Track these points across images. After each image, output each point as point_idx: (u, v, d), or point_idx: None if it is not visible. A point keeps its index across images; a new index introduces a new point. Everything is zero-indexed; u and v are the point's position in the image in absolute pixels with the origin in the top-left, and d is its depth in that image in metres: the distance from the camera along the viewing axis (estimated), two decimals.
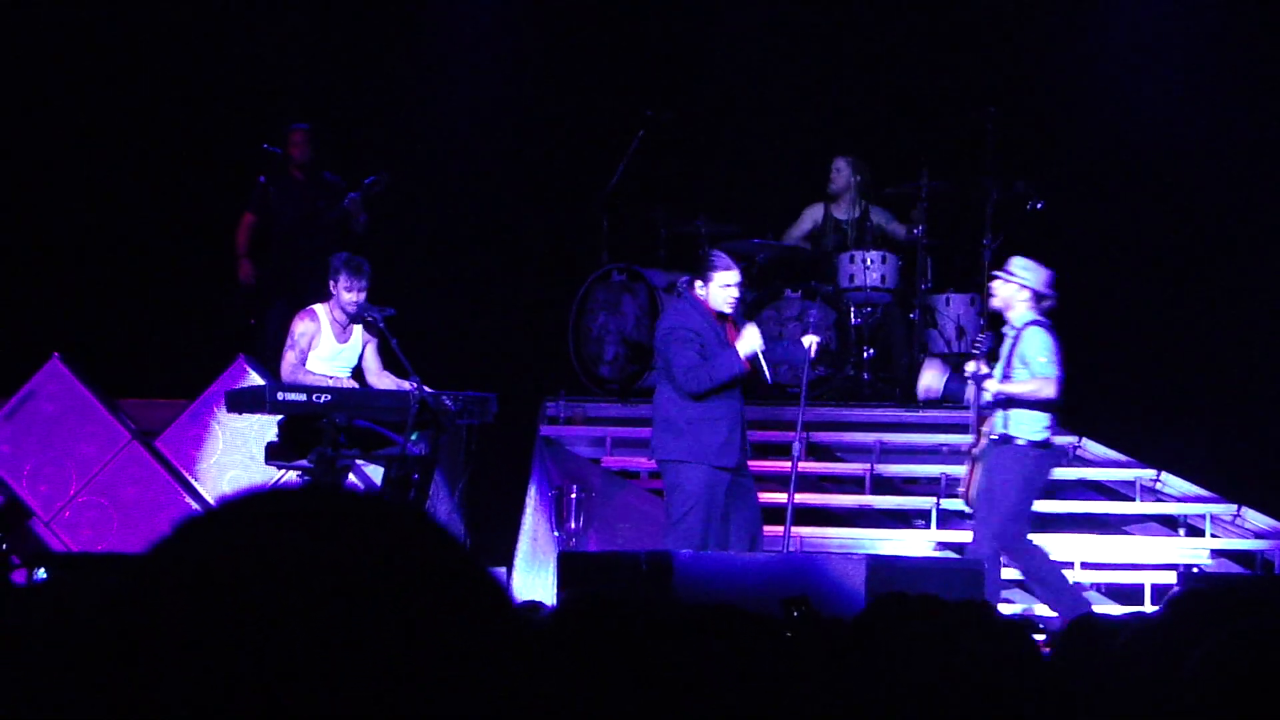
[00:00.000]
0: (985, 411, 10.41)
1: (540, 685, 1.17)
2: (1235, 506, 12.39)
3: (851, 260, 13.32)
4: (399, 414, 10.79)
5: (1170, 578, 11.31)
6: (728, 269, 10.18)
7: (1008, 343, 10.40)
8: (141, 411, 12.77)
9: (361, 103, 14.73)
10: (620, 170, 13.64)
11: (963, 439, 13.21)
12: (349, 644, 1.11)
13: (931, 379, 10.77)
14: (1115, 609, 10.97)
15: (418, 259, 14.51)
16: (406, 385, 10.86)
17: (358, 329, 11.23)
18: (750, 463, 10.58)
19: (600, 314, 13.40)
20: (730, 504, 10.20)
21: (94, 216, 14.58)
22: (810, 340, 10.51)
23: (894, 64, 14.61)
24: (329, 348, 11.12)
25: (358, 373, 11.28)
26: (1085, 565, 12.05)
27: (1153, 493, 12.79)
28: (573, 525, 11.80)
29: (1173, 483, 12.71)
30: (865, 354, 13.35)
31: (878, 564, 9.63)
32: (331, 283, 11.11)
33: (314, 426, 10.76)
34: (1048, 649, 6.47)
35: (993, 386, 10.25)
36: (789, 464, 12.89)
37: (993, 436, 10.31)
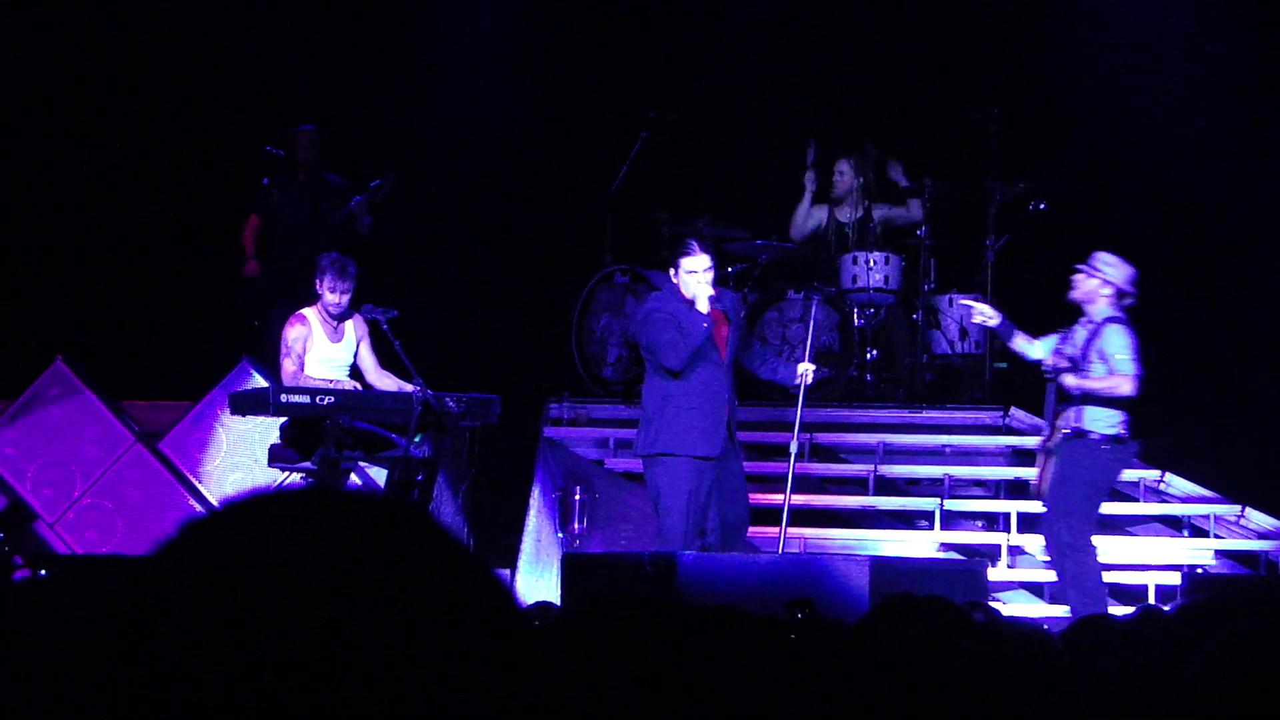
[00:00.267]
0: (1060, 408, 10.45)
1: (545, 685, 1.17)
2: (1239, 507, 12.38)
3: (854, 261, 13.31)
4: (402, 416, 10.79)
5: (1174, 578, 11.30)
6: (692, 254, 10.15)
7: (1081, 335, 10.44)
8: (145, 414, 12.78)
9: (364, 104, 14.73)
10: (623, 171, 13.63)
11: (966, 440, 13.25)
12: (353, 645, 1.11)
13: (989, 310, 10.81)
14: (1119, 609, 10.96)
15: (421, 261, 14.51)
16: (410, 387, 10.86)
17: (349, 327, 11.22)
18: (750, 464, 10.56)
19: (603, 315, 13.40)
20: (714, 491, 10.16)
21: (97, 218, 14.58)
22: (805, 368, 10.45)
23: (897, 65, 14.61)
24: (323, 349, 11.11)
25: (355, 372, 11.27)
26: None
27: (1156, 493, 12.78)
28: (576, 527, 11.80)
29: (1176, 483, 12.70)
30: (868, 355, 13.34)
31: (881, 565, 9.64)
32: (317, 282, 11.12)
33: (317, 428, 10.77)
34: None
35: (1072, 382, 10.29)
36: (788, 464, 12.90)
37: (1065, 431, 10.36)
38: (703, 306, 10.00)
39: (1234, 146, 13.84)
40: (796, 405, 12.68)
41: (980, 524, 12.75)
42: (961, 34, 14.53)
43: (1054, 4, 14.77)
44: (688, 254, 10.15)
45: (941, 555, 12.14)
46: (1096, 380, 10.28)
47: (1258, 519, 12.33)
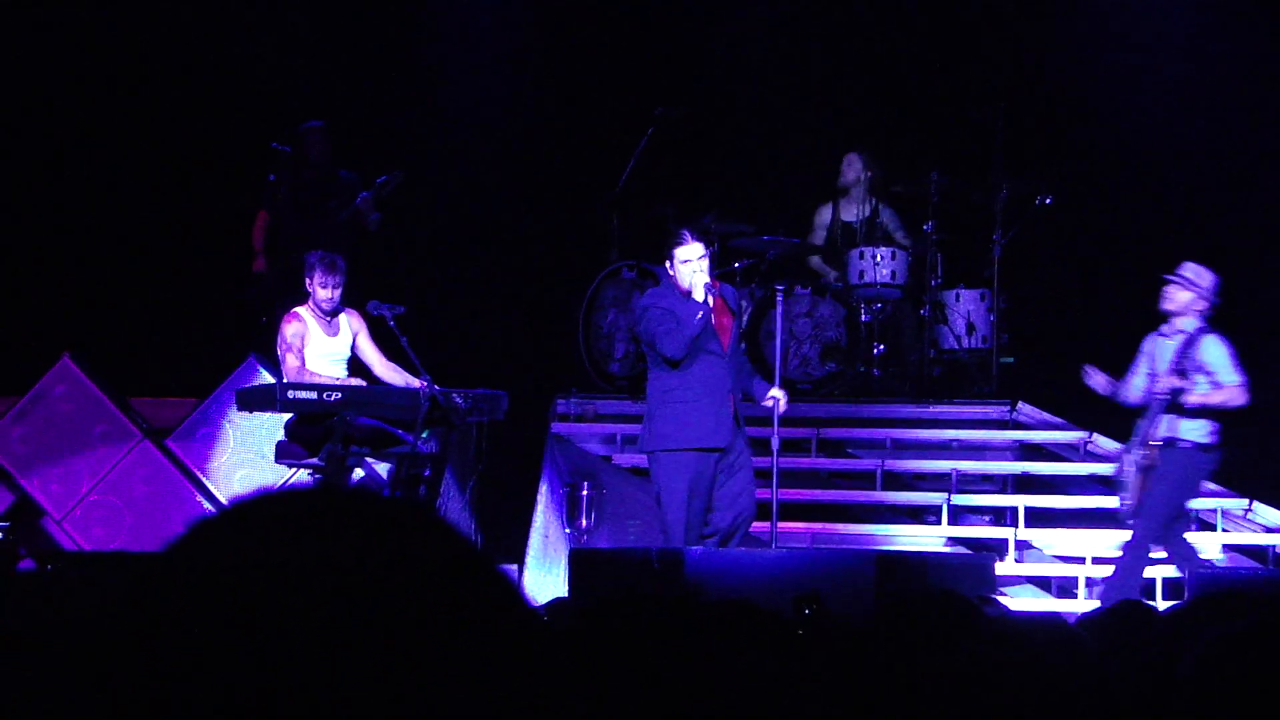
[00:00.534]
0: (1153, 420, 10.51)
1: (553, 683, 1.17)
2: (1246, 501, 12.37)
3: (861, 256, 13.31)
4: (410, 412, 10.79)
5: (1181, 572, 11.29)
6: (685, 244, 10.09)
7: (1170, 346, 10.48)
8: (152, 410, 12.79)
9: (370, 101, 14.73)
10: (630, 167, 13.64)
11: (972, 434, 13.24)
12: (361, 644, 1.11)
13: (1102, 380, 10.86)
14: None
15: (428, 256, 14.52)
16: (417, 383, 10.86)
17: (343, 321, 11.22)
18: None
19: (610, 311, 13.40)
20: (718, 480, 10.13)
21: (103, 216, 14.58)
22: (776, 394, 10.33)
23: (903, 61, 14.60)
24: (320, 344, 11.11)
25: (360, 367, 11.26)
26: (1096, 560, 12.03)
27: None
28: (584, 522, 11.80)
29: None
30: (875, 350, 13.34)
31: (888, 560, 9.64)
32: (307, 280, 11.12)
33: (324, 424, 10.77)
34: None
35: (1193, 399, 10.34)
36: (796, 459, 12.89)
37: (1158, 441, 10.42)
38: (699, 295, 9.96)
39: (1240, 141, 13.82)
40: (804, 401, 12.73)
41: (988, 518, 12.75)
42: (967, 30, 14.53)
43: (1061, 1, 14.76)
44: (681, 244, 10.10)
45: (949, 550, 12.14)
46: (1214, 394, 10.36)
47: (1265, 513, 12.32)
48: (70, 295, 14.36)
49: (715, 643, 1.98)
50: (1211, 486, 12.60)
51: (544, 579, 11.79)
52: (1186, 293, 10.51)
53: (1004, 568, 11.68)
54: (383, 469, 11.42)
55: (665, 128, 13.70)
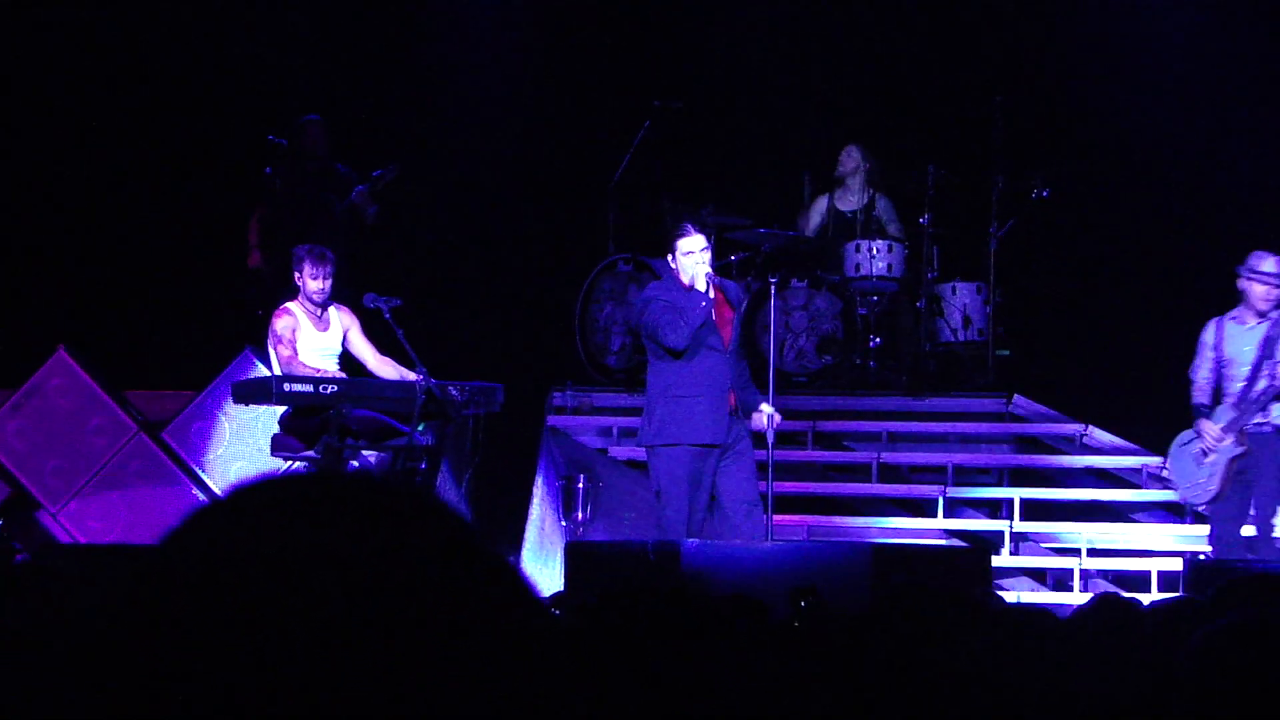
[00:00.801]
0: (1248, 410, 10.55)
1: (557, 670, 1.17)
2: None
3: (858, 249, 13.31)
4: (406, 404, 10.79)
5: (1176, 565, 11.30)
6: (687, 235, 10.09)
7: (1252, 335, 10.50)
8: (148, 403, 12.78)
9: (367, 94, 14.71)
10: (626, 160, 13.63)
11: (968, 427, 13.25)
12: (362, 631, 1.11)
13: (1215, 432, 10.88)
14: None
15: (424, 250, 14.51)
16: (413, 376, 10.86)
17: (334, 316, 11.21)
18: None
19: (606, 304, 13.40)
20: (719, 477, 10.12)
21: (99, 208, 14.57)
22: (767, 411, 10.30)
23: (901, 54, 14.59)
24: (311, 339, 11.10)
25: (353, 364, 11.25)
26: (1091, 553, 12.05)
27: (1159, 480, 12.78)
28: (580, 515, 11.80)
29: None
30: (872, 343, 13.34)
31: (884, 553, 9.64)
32: (296, 274, 11.11)
33: (320, 417, 10.77)
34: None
35: None
36: (791, 452, 12.89)
37: (1259, 430, 10.47)
38: (700, 285, 9.95)
39: (1239, 131, 13.82)
40: (802, 393, 12.72)
41: (984, 511, 12.76)
42: (964, 24, 14.52)
43: None
44: (683, 235, 10.10)
45: (945, 543, 12.15)
46: None
47: None
48: (66, 288, 14.35)
49: (712, 636, 1.98)
50: None
51: (540, 572, 11.79)
52: (1263, 287, 10.57)
53: (1000, 560, 11.68)
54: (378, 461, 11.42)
55: (662, 120, 13.70)
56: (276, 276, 12.93)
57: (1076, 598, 11.02)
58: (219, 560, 1.13)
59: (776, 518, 10.64)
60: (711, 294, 9.96)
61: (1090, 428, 13.01)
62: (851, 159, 13.84)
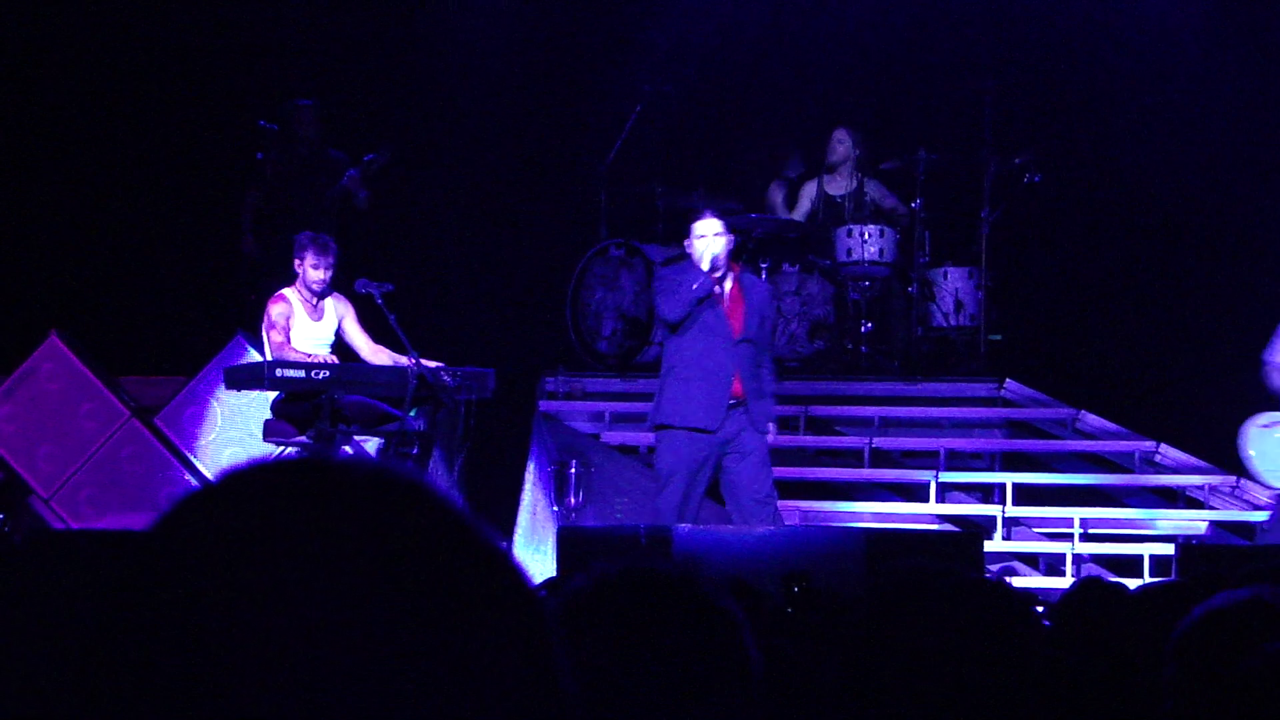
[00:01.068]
0: None
1: (550, 651, 1.17)
2: (1234, 478, 12.39)
3: (849, 234, 13.30)
4: (397, 390, 10.79)
5: (1169, 549, 11.31)
6: (702, 219, 10.27)
7: None
8: (140, 388, 12.78)
9: (358, 78, 14.69)
10: (618, 145, 13.62)
11: (960, 412, 13.26)
12: (352, 617, 1.10)
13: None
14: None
15: (416, 234, 14.50)
16: (404, 361, 10.86)
17: (329, 305, 11.21)
18: None
19: (598, 289, 13.39)
20: (728, 475, 10.16)
21: (91, 194, 14.55)
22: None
23: (891, 37, 14.58)
24: (305, 328, 11.11)
25: (347, 353, 11.24)
26: (1084, 537, 12.06)
27: (1152, 464, 12.80)
28: (572, 500, 11.80)
29: (1171, 454, 12.72)
30: (863, 328, 13.34)
31: (876, 537, 9.65)
32: (297, 261, 11.10)
33: (312, 403, 10.77)
34: (1047, 620, 6.48)
35: None
36: (783, 437, 12.91)
37: None
38: (704, 265, 10.04)
39: (1232, 117, 13.82)
40: (794, 379, 12.72)
41: (976, 496, 12.77)
42: (956, 6, 14.51)
43: None
44: (698, 219, 10.30)
45: (937, 527, 12.16)
46: None
47: (1253, 490, 12.34)
48: (58, 273, 14.33)
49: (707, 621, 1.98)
50: (1199, 463, 12.64)
51: (532, 557, 11.79)
52: None
53: (992, 545, 11.69)
54: (371, 447, 11.42)
55: (653, 105, 13.69)
56: (268, 261, 12.93)
57: (1068, 582, 11.03)
58: (207, 546, 1.13)
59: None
60: (721, 276, 10.08)
61: (1082, 412, 13.02)
62: (843, 145, 13.82)
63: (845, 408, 13.27)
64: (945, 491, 12.56)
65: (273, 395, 11.01)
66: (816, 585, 6.39)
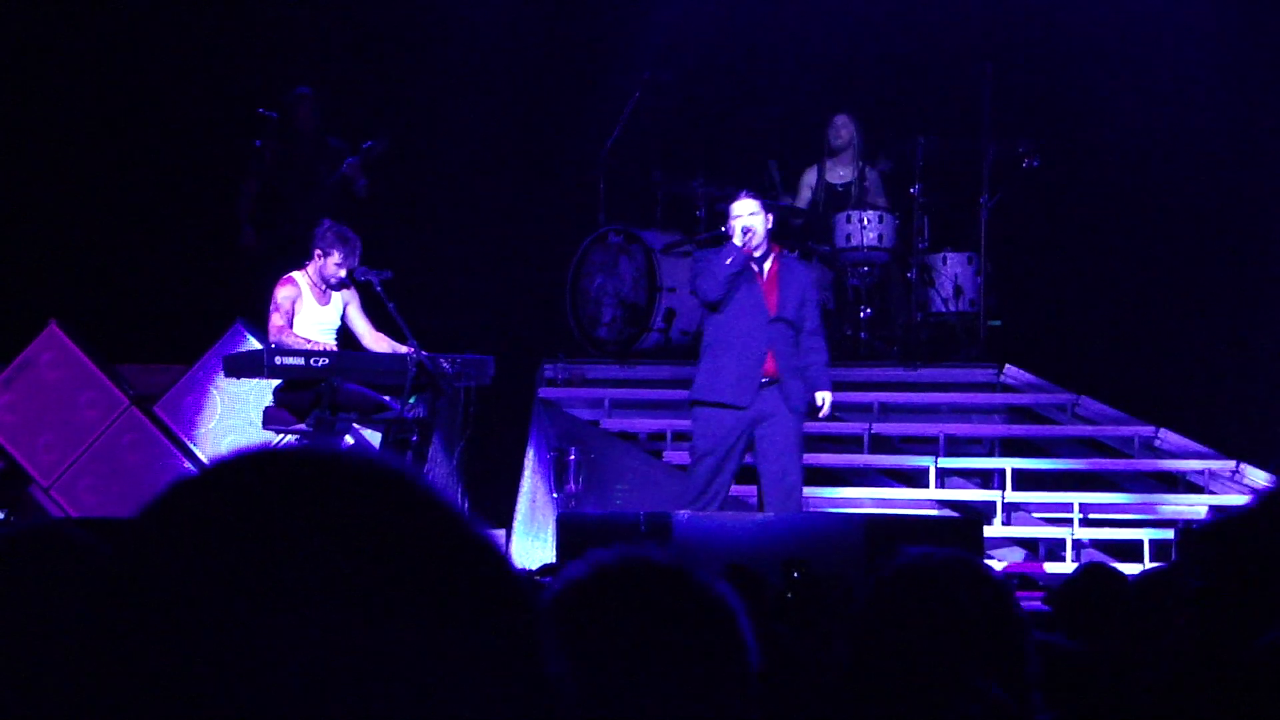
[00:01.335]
0: None
1: (539, 642, 1.16)
2: (1234, 463, 12.40)
3: (848, 220, 13.29)
4: (397, 377, 10.78)
5: (1169, 534, 11.32)
6: (737, 200, 10.39)
7: None
8: (140, 376, 12.77)
9: (357, 66, 14.68)
10: (617, 132, 13.61)
11: (960, 397, 13.26)
12: (341, 608, 1.10)
13: None
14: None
15: (415, 221, 14.49)
16: (404, 349, 10.85)
17: (336, 292, 11.21)
18: None
19: (597, 276, 13.38)
20: (757, 457, 10.16)
21: (90, 182, 14.54)
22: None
23: (890, 22, 14.56)
24: (312, 313, 11.10)
25: (349, 339, 11.24)
26: (1084, 522, 12.07)
27: (1151, 449, 12.81)
28: (571, 487, 11.81)
29: (1171, 439, 12.72)
30: (863, 313, 13.34)
31: (876, 523, 9.65)
32: (318, 251, 11.07)
33: (312, 391, 10.76)
34: (1048, 605, 6.49)
35: None
36: None
37: None
38: (737, 239, 10.14)
39: (1233, 101, 13.81)
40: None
41: (975, 481, 12.77)
42: None
43: None
44: (734, 200, 10.42)
45: (937, 513, 12.16)
46: None
47: (1253, 475, 12.34)
48: (57, 262, 14.33)
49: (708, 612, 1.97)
50: (1199, 448, 12.65)
51: (531, 544, 11.80)
52: None
53: (992, 530, 11.70)
54: (372, 437, 11.41)
55: (652, 91, 13.68)
56: (269, 248, 12.92)
57: (1069, 568, 11.03)
58: (196, 534, 1.13)
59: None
60: (762, 256, 10.20)
61: (1082, 397, 13.02)
62: (846, 131, 13.80)
63: (844, 394, 13.24)
64: (945, 477, 12.56)
65: (273, 383, 11.01)
66: (816, 571, 6.39)
